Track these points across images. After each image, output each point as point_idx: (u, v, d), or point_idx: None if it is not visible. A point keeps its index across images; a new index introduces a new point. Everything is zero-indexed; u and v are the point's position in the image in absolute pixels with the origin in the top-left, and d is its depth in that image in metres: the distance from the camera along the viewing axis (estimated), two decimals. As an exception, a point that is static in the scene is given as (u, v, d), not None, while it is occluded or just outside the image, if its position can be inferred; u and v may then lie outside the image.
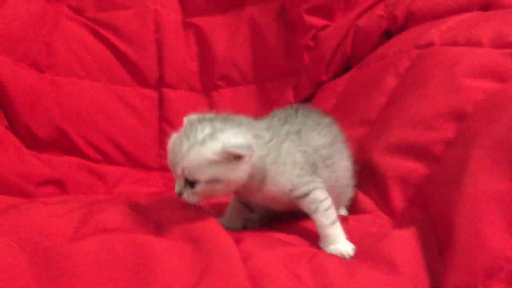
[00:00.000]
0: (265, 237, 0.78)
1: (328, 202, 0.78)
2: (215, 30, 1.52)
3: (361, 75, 1.28)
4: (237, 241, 0.70)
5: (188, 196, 0.74)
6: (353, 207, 0.96)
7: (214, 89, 1.51)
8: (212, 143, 0.71)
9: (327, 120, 0.91)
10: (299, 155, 0.79)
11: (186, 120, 0.78)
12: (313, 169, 0.81)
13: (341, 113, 1.24)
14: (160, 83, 1.48)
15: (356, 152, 1.00)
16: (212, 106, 1.50)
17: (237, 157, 0.71)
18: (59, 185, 1.20)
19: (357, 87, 1.25)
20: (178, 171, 0.72)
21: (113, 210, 0.75)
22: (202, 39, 1.52)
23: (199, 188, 0.72)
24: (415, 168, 0.87)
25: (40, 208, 0.80)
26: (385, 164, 0.93)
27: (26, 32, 1.30)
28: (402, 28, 1.27)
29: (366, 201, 0.95)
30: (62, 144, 1.30)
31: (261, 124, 0.82)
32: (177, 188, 0.74)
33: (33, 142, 1.26)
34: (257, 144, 0.75)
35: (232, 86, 1.51)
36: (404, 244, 0.74)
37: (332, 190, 0.82)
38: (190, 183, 0.73)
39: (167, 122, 1.46)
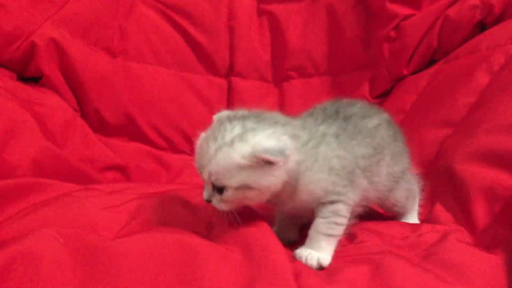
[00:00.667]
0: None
1: (344, 221, 0.70)
2: (290, 18, 1.45)
3: (448, 70, 1.16)
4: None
5: (218, 203, 0.67)
6: (427, 216, 0.87)
7: (285, 80, 1.45)
8: (242, 145, 0.63)
9: (371, 123, 0.79)
10: (336, 161, 0.70)
11: (215, 117, 0.70)
12: (350, 177, 0.71)
13: (421, 112, 1.14)
14: (230, 72, 1.44)
15: (434, 157, 0.89)
16: (282, 97, 1.44)
17: (269, 163, 0.63)
18: (123, 171, 1.20)
19: (442, 84, 1.14)
20: (205, 176, 0.66)
21: (164, 207, 0.72)
22: (276, 27, 1.45)
23: (227, 194, 0.65)
24: (504, 179, 0.76)
25: (94, 197, 0.78)
26: (469, 172, 0.82)
27: (101, 16, 1.30)
28: (498, 20, 1.15)
29: (441, 211, 0.85)
30: (129, 129, 1.30)
31: (298, 122, 0.73)
32: (205, 194, 0.68)
33: (101, 127, 1.26)
34: (294, 147, 0.67)
35: (304, 78, 1.44)
36: (487, 268, 0.64)
37: (370, 197, 0.77)
38: (218, 189, 0.66)
39: (234, 112, 1.42)
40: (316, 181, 0.69)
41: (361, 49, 1.39)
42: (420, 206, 0.90)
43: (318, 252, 0.67)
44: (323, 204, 0.70)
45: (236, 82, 1.42)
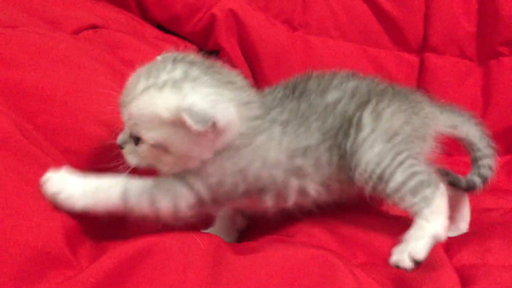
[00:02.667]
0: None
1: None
2: (505, -18, 1.18)
3: None
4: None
5: (128, 153, 0.56)
6: None
7: (493, 57, 1.19)
8: (173, 93, 0.52)
9: (328, 99, 0.64)
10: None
11: (159, 57, 0.57)
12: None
13: None
14: (424, 47, 1.24)
15: None
16: (487, 78, 1.20)
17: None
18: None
19: None
20: (125, 117, 0.55)
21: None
22: (485, -7, 1.20)
23: (141, 149, 0.55)
24: None
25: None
26: None
27: (284, -13, 1.23)
28: None
29: None
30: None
31: (258, 94, 0.62)
32: (120, 138, 0.57)
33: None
34: (239, 118, 0.56)
35: (518, 55, 1.16)
36: None
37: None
38: (135, 139, 0.55)
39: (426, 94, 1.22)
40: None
41: None
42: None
43: None
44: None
45: (430, 58, 1.23)
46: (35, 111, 0.63)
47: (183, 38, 1.16)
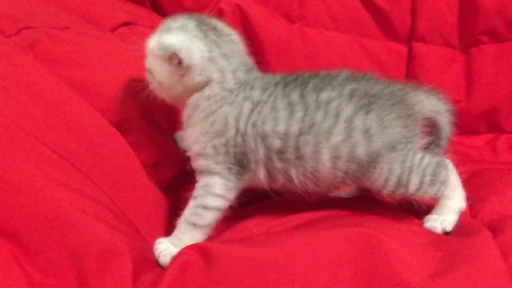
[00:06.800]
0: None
1: (214, 200, 0.68)
2: (483, -25, 1.29)
3: None
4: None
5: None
6: None
7: (474, 45, 1.30)
8: (162, 34, 0.69)
9: (322, 96, 0.68)
10: (231, 127, 0.69)
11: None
12: (230, 158, 0.69)
13: None
14: (411, 37, 1.34)
15: None
16: (469, 64, 1.31)
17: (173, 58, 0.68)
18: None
19: None
20: None
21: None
22: (465, -14, 1.31)
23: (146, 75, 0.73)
24: None
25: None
26: None
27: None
28: None
29: None
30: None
31: (251, 66, 0.75)
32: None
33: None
34: (209, 71, 0.69)
35: (497, 42, 1.28)
36: None
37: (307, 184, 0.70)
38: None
39: (414, 80, 1.33)
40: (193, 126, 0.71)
41: None
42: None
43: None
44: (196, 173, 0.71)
45: (418, 47, 1.32)
46: (103, 109, 0.69)
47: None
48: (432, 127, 0.77)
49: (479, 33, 1.29)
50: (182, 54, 0.67)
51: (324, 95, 0.68)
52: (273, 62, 1.27)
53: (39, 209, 0.49)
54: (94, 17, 0.86)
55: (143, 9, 1.09)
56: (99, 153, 0.65)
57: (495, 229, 0.64)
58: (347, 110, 0.67)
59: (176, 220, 0.67)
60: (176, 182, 0.77)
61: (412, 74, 1.34)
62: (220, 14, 1.21)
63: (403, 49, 1.35)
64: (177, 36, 0.68)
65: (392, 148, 0.68)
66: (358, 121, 0.67)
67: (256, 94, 0.69)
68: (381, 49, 1.35)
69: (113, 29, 0.87)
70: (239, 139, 0.68)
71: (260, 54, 1.26)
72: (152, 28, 1.02)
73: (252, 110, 0.68)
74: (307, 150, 0.67)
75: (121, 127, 0.71)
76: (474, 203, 0.78)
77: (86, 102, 0.69)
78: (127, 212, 0.64)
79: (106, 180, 0.63)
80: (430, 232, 0.68)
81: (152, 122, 0.76)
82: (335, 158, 0.67)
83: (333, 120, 0.67)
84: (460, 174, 0.75)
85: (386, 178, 0.68)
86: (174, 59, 0.68)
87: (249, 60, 0.75)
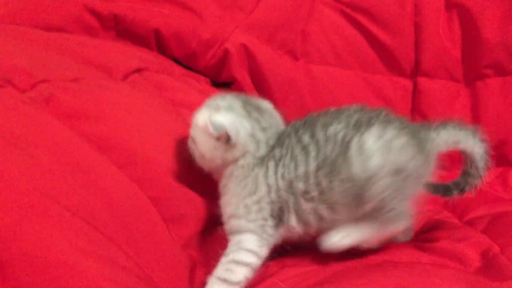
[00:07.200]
0: None
1: (247, 256, 0.68)
2: (485, 10, 1.30)
3: None
4: None
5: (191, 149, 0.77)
6: None
7: (479, 79, 1.31)
8: (211, 112, 0.72)
9: (330, 130, 0.70)
10: (261, 185, 0.71)
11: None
12: (264, 215, 0.71)
13: None
14: (416, 72, 1.34)
15: None
16: (474, 98, 1.31)
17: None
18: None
19: None
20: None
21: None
22: (467, 21, 1.32)
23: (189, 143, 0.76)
24: None
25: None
26: None
27: (285, 20, 1.30)
28: None
29: None
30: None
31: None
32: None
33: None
34: (249, 145, 0.72)
35: (502, 75, 1.29)
36: None
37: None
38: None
39: (420, 114, 1.33)
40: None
41: None
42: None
43: None
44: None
45: (422, 82, 1.33)
46: (122, 165, 0.66)
47: (198, 72, 1.21)
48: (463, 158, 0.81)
49: (484, 67, 1.30)
50: (232, 134, 0.71)
51: (331, 129, 0.71)
52: (280, 100, 1.26)
53: (74, 285, 0.46)
54: (107, 65, 0.84)
55: (150, 53, 1.07)
56: (121, 213, 0.62)
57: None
58: (348, 134, 0.70)
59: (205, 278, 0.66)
60: (198, 238, 0.74)
61: (418, 109, 1.34)
62: (225, 55, 1.20)
63: (408, 84, 1.35)
64: (225, 116, 0.72)
65: (394, 173, 0.69)
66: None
67: (276, 152, 0.73)
68: (387, 84, 1.35)
69: (125, 77, 0.85)
70: (273, 195, 0.71)
71: (267, 92, 1.25)
72: (160, 72, 1.02)
73: (276, 166, 0.72)
74: (326, 182, 0.69)
75: (141, 183, 0.68)
76: (504, 248, 0.76)
77: (104, 157, 0.67)
78: (151, 274, 0.61)
79: (129, 243, 0.60)
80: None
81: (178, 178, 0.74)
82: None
83: (339, 148, 0.69)
84: (481, 218, 0.74)
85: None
86: (222, 137, 0.71)
87: (282, 125, 0.79)
